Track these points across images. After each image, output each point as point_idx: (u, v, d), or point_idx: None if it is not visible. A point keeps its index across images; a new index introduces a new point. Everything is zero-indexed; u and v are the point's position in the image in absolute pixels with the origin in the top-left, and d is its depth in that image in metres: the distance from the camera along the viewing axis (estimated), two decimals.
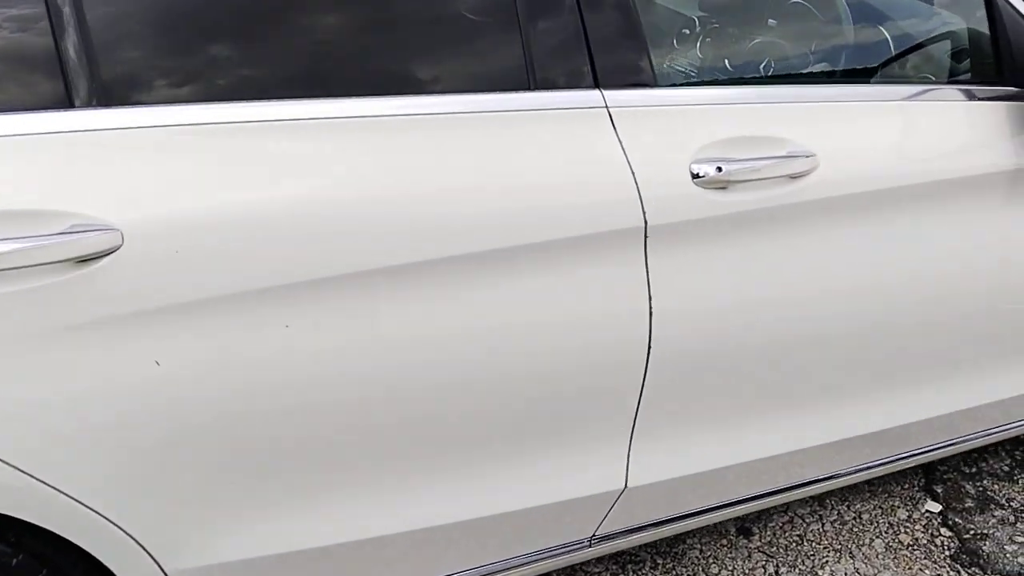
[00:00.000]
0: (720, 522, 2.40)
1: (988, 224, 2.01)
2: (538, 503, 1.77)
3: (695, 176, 1.66)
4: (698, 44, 1.94)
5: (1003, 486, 2.59)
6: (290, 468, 1.53)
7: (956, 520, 2.46)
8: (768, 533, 2.40)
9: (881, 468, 2.30)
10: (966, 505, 2.52)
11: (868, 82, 2.07)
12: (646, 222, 1.63)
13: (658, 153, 1.64)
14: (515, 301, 1.58)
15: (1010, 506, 2.51)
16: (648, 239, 1.64)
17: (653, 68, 1.69)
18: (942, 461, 2.66)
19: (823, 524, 2.44)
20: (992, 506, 2.51)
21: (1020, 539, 2.40)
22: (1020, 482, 2.61)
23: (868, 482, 2.57)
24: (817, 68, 2.08)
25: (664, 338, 1.70)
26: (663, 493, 1.89)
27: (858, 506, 2.50)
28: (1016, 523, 2.45)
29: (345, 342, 1.47)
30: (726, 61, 1.98)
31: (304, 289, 1.43)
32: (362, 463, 1.59)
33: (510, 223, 1.54)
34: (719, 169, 1.66)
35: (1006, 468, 2.66)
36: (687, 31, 1.95)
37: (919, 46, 2.12)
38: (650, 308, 1.67)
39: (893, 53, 2.10)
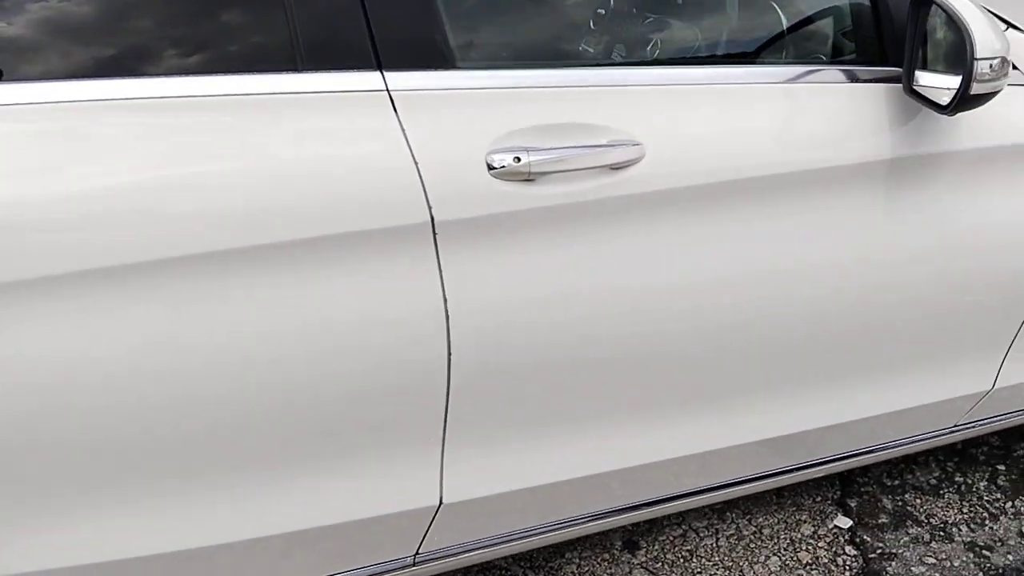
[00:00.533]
0: (605, 534, 2.26)
1: (866, 218, 1.83)
2: (349, 518, 1.65)
3: (492, 167, 1.51)
4: (527, 20, 1.75)
5: (926, 500, 2.40)
6: (30, 481, 1.42)
7: (865, 537, 2.28)
8: (656, 548, 2.25)
9: (785, 478, 2.13)
10: (880, 521, 2.33)
11: (735, 64, 1.89)
12: (432, 217, 1.48)
13: (448, 142, 1.50)
14: (283, 303, 1.45)
15: (929, 523, 2.32)
16: (438, 235, 1.50)
17: (450, 46, 1.54)
18: (863, 471, 2.47)
19: (718, 539, 2.27)
20: (908, 523, 2.33)
21: (931, 560, 2.21)
22: (946, 497, 2.42)
23: (777, 494, 2.40)
24: (675, 50, 1.91)
25: (466, 342, 1.55)
26: (493, 508, 1.75)
27: (760, 520, 2.33)
28: (931, 542, 2.26)
29: (68, 350, 1.35)
30: (560, 40, 1.80)
31: (18, 289, 1.31)
32: (126, 475, 1.48)
33: (265, 219, 1.41)
34: (517, 159, 1.51)
35: (933, 481, 2.47)
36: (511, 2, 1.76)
37: (799, 25, 1.94)
38: (446, 310, 1.53)
39: (770, 33, 1.92)
